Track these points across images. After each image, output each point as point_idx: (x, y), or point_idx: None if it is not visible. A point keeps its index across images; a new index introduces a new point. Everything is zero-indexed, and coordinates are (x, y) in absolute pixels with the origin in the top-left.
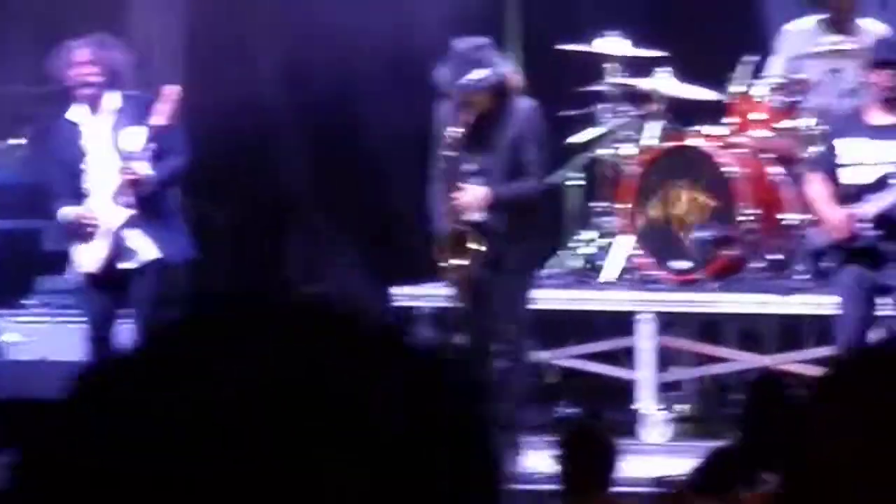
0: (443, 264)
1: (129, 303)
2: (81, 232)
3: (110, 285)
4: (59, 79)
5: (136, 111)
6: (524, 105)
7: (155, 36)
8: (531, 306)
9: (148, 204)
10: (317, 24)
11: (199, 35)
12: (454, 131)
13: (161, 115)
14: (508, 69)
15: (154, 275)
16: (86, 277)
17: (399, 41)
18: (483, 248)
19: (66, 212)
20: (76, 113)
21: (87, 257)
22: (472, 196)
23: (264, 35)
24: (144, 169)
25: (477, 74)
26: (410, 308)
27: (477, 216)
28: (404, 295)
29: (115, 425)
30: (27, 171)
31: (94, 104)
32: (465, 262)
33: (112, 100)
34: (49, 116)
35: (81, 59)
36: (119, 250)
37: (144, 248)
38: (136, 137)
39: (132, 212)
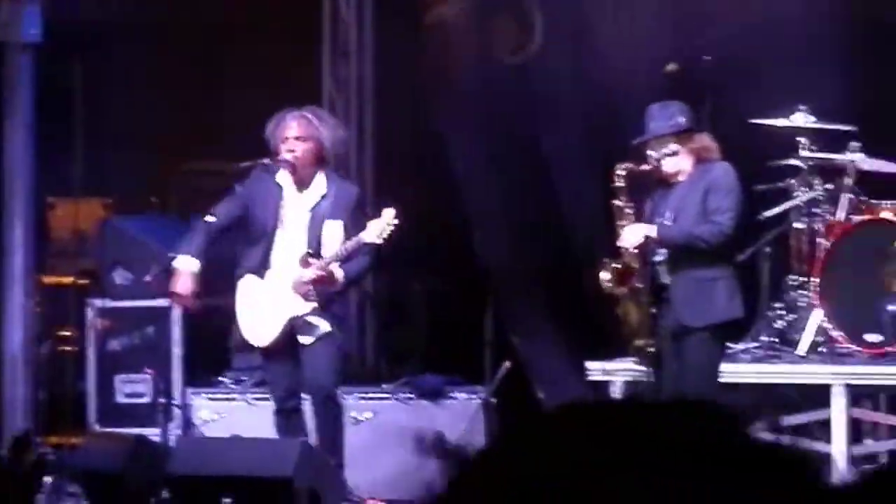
0: (631, 341)
1: (304, 375)
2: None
3: (290, 356)
4: (272, 148)
5: (340, 201)
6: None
7: (343, 113)
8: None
9: (327, 292)
10: (511, 107)
11: (391, 112)
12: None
13: (374, 233)
14: (692, 122)
15: (329, 348)
16: (263, 351)
17: (591, 121)
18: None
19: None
20: (284, 178)
21: (258, 335)
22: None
23: (464, 116)
24: (335, 268)
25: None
26: (604, 383)
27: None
28: (598, 369)
29: None
30: (221, 246)
31: (298, 180)
32: (649, 341)
33: (318, 181)
34: (252, 182)
35: (288, 135)
36: (294, 326)
37: (319, 324)
38: (334, 231)
39: (314, 305)
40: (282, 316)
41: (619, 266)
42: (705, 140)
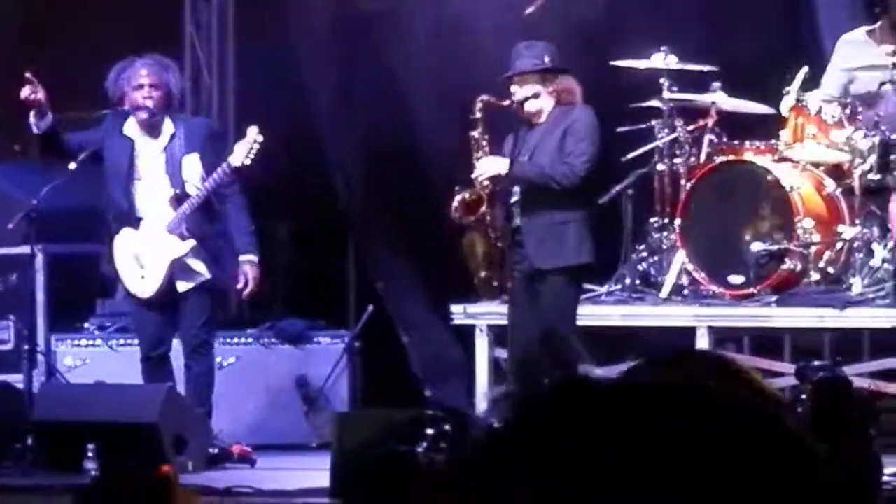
0: (476, 272)
1: (179, 322)
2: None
3: (162, 305)
4: (117, 96)
5: (190, 135)
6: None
7: (205, 58)
8: (575, 320)
9: (201, 228)
10: (367, 42)
11: (251, 58)
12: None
13: (241, 154)
14: (557, 63)
15: (204, 295)
16: (137, 299)
17: (450, 66)
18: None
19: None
20: (132, 129)
21: (143, 286)
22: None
23: (319, 57)
24: (250, 269)
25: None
26: (470, 326)
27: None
28: (462, 313)
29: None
30: (84, 193)
31: (150, 127)
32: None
33: (166, 125)
34: (105, 131)
35: (143, 82)
36: (174, 271)
37: (197, 268)
38: (193, 165)
39: (192, 244)
40: (163, 261)
41: (469, 195)
42: (569, 82)
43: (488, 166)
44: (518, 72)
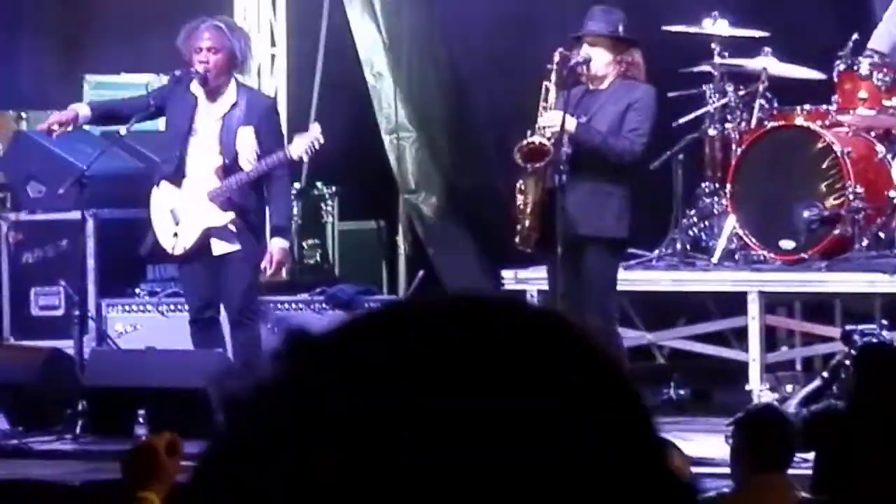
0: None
1: (220, 290)
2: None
3: (203, 267)
4: (186, 57)
5: (251, 108)
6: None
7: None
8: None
9: (244, 199)
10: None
11: (302, 18)
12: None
13: (300, 148)
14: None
15: (244, 263)
16: (178, 261)
17: (502, 30)
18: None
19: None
20: (197, 88)
21: (174, 243)
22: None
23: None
24: (277, 246)
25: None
26: (521, 291)
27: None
28: (513, 278)
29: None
30: (134, 158)
31: (211, 90)
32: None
33: (230, 90)
34: (170, 89)
35: (202, 45)
36: (210, 234)
37: (234, 233)
38: (247, 138)
39: (231, 216)
40: (198, 225)
41: (538, 142)
42: (637, 57)
43: (554, 120)
44: (592, 33)
